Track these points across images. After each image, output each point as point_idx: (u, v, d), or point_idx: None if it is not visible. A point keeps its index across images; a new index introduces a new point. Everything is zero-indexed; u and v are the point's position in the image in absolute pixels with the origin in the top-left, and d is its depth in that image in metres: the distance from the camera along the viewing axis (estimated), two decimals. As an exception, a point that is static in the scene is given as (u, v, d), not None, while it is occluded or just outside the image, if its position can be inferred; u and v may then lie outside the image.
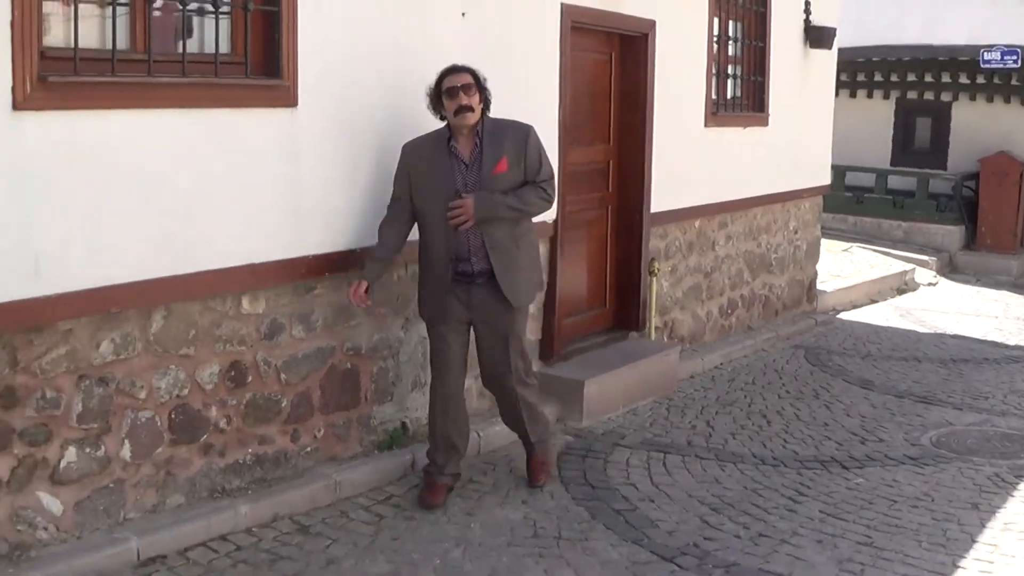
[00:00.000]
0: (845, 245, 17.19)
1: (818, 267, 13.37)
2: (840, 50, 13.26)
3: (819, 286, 13.46)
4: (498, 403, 6.87)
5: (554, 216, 8.20)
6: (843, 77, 17.66)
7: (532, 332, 8.24)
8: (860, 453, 7.81)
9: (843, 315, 13.39)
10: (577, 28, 8.37)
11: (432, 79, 6.46)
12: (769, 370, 10.28)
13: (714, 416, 8.59)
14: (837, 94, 13.69)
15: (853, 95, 19.95)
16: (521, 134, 6.50)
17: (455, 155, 6.41)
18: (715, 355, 10.39)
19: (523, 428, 6.79)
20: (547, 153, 6.64)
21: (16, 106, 4.93)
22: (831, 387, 9.72)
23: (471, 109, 6.33)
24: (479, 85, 6.41)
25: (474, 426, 6.99)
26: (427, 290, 6.54)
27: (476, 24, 7.37)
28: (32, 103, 4.99)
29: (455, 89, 6.33)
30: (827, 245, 14.88)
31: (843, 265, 15.79)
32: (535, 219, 6.81)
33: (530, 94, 7.87)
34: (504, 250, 6.42)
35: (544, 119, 7.93)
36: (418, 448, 6.89)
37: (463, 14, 7.28)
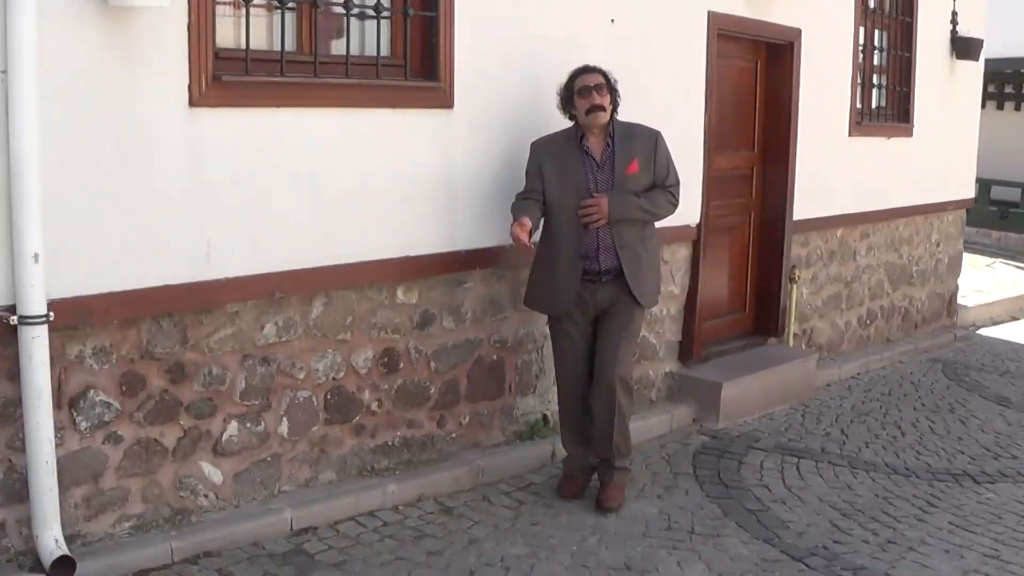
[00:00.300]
0: (988, 260, 16.84)
1: (959, 281, 13.16)
2: (986, 61, 12.98)
3: (960, 301, 13.24)
4: (594, 410, 6.50)
5: (697, 220, 8.33)
6: (990, 88, 17.38)
7: (672, 333, 8.41)
8: (992, 468, 7.73)
9: (983, 331, 13.14)
10: (723, 35, 8.42)
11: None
12: (906, 382, 10.18)
13: (849, 425, 8.57)
14: (983, 106, 13.41)
15: (1000, 107, 19.56)
16: (651, 138, 6.50)
17: (587, 153, 6.41)
18: (852, 365, 10.35)
19: (609, 441, 6.43)
20: (673, 159, 6.59)
21: (192, 103, 5.26)
22: (967, 402, 9.57)
23: (603, 109, 6.33)
24: (610, 86, 6.41)
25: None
26: (552, 287, 6.50)
27: (624, 30, 7.46)
28: (207, 100, 5.30)
29: (587, 89, 6.34)
30: (969, 260, 14.58)
31: (985, 280, 15.45)
32: (665, 223, 6.87)
33: (676, 99, 7.96)
34: (633, 250, 6.40)
35: (690, 124, 8.12)
36: (557, 440, 7.00)
37: (612, 20, 7.38)
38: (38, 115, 4.68)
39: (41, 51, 4.67)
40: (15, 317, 4.77)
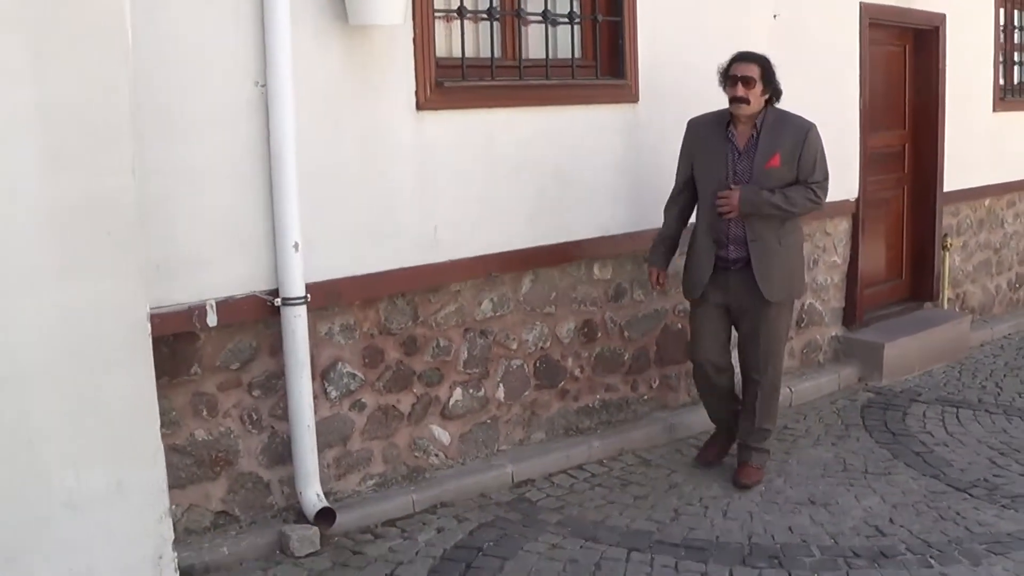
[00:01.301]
0: None
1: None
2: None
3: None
4: (741, 399, 6.45)
5: (856, 195, 8.48)
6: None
7: (836, 300, 8.58)
8: None
9: None
10: (874, 24, 8.54)
11: None
12: (1057, 341, 10.22)
13: (1003, 379, 8.66)
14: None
15: None
16: (800, 132, 5.98)
17: (730, 141, 6.03)
18: (1004, 325, 10.35)
19: (750, 430, 6.28)
20: (824, 155, 6.09)
21: (419, 107, 5.63)
22: (1115, 357, 9.59)
23: (746, 102, 5.91)
24: (765, 78, 5.96)
25: (784, 382, 6.92)
26: (692, 268, 6.23)
27: (785, 24, 7.62)
28: (431, 104, 5.67)
29: (735, 79, 5.94)
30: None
31: None
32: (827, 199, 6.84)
33: (834, 85, 8.11)
34: (765, 244, 5.98)
35: (846, 107, 8.27)
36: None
37: (775, 16, 7.56)
38: (293, 122, 5.09)
39: (293, 66, 5.07)
40: (279, 300, 5.19)
